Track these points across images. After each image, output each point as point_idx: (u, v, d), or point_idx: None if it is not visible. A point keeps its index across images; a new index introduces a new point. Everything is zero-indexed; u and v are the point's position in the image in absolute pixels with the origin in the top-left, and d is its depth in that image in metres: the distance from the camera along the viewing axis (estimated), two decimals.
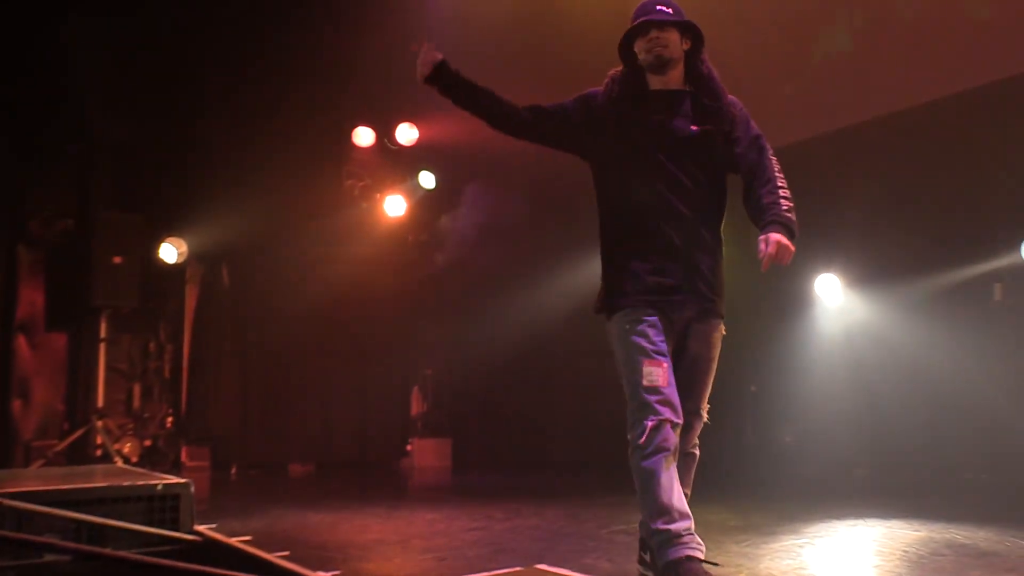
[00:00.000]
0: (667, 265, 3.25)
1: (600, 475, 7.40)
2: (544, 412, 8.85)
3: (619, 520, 4.90)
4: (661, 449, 3.09)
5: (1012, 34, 5.90)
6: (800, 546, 4.18)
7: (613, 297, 3.33)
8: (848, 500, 5.65)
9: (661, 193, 3.25)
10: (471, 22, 8.59)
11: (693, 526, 3.08)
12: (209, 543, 3.74)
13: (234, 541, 3.85)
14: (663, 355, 3.20)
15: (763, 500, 5.73)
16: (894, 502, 5.44)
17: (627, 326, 3.25)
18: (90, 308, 7.90)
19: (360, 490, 6.99)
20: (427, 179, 8.92)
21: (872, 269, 6.81)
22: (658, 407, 3.12)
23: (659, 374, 3.16)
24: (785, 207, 3.23)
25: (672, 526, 3.04)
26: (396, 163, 9.10)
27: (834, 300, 7.08)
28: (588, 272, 8.10)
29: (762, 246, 3.16)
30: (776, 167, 3.32)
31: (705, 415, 3.41)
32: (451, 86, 3.46)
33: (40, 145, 7.87)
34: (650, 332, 3.22)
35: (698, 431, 3.43)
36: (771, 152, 3.35)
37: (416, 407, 9.44)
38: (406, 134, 8.94)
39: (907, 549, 4.07)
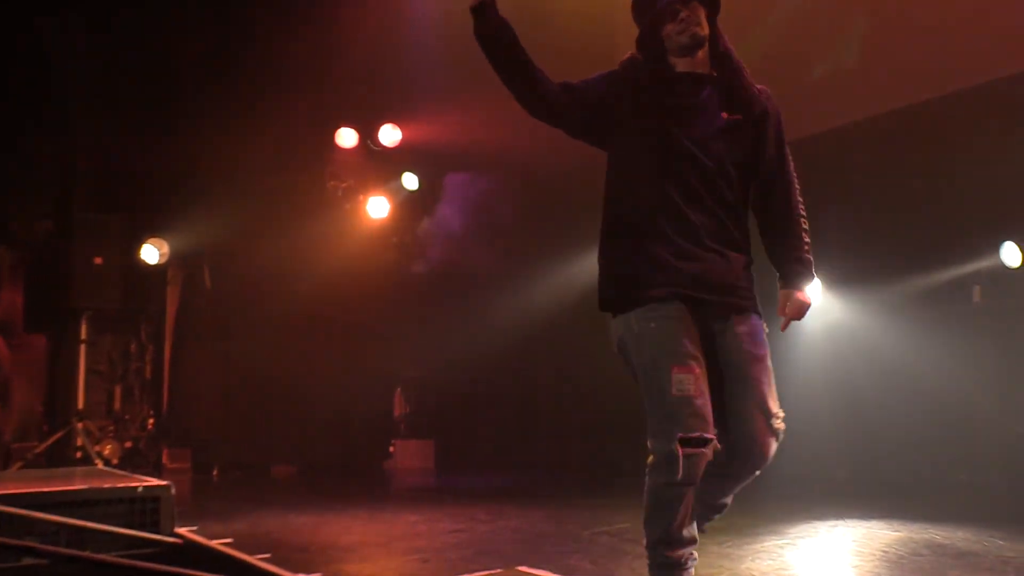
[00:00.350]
0: (699, 256, 2.87)
1: (582, 477, 7.41)
2: (526, 414, 8.86)
3: (601, 522, 4.91)
4: (691, 482, 2.73)
5: (989, 38, 5.95)
6: (781, 547, 4.20)
7: (630, 288, 2.88)
8: (829, 501, 5.68)
9: (690, 183, 2.90)
10: (453, 19, 8.59)
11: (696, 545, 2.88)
12: (190, 545, 3.72)
13: (215, 543, 3.84)
14: (695, 359, 2.77)
15: (744, 501, 5.71)
16: (874, 503, 5.48)
17: (651, 324, 2.81)
18: (70, 309, 7.85)
19: (342, 492, 6.98)
20: (410, 180, 8.91)
21: (853, 271, 6.84)
22: (689, 420, 2.69)
23: (691, 382, 2.72)
24: (807, 246, 3.04)
25: (678, 553, 2.80)
26: (379, 164, 9.08)
27: (815, 302, 7.11)
28: (571, 272, 8.15)
29: (787, 309, 3.00)
30: (795, 180, 3.09)
31: (781, 423, 2.88)
32: (496, 24, 2.93)
33: (20, 146, 7.82)
34: (679, 331, 2.79)
35: (773, 448, 2.88)
36: (791, 159, 3.11)
37: (399, 409, 9.43)
38: (389, 135, 8.92)
39: (887, 549, 4.10)
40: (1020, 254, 6.04)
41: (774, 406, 2.87)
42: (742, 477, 2.94)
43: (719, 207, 2.93)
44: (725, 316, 2.89)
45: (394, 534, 4.80)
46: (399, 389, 9.44)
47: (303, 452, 8.62)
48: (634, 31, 3.14)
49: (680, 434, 2.68)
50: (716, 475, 2.87)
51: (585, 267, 8.15)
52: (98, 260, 7.76)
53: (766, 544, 4.24)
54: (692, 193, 2.90)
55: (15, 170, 7.87)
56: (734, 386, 2.84)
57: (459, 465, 8.62)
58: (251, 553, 3.67)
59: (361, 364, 9.00)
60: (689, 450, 2.69)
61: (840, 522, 4.86)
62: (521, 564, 3.82)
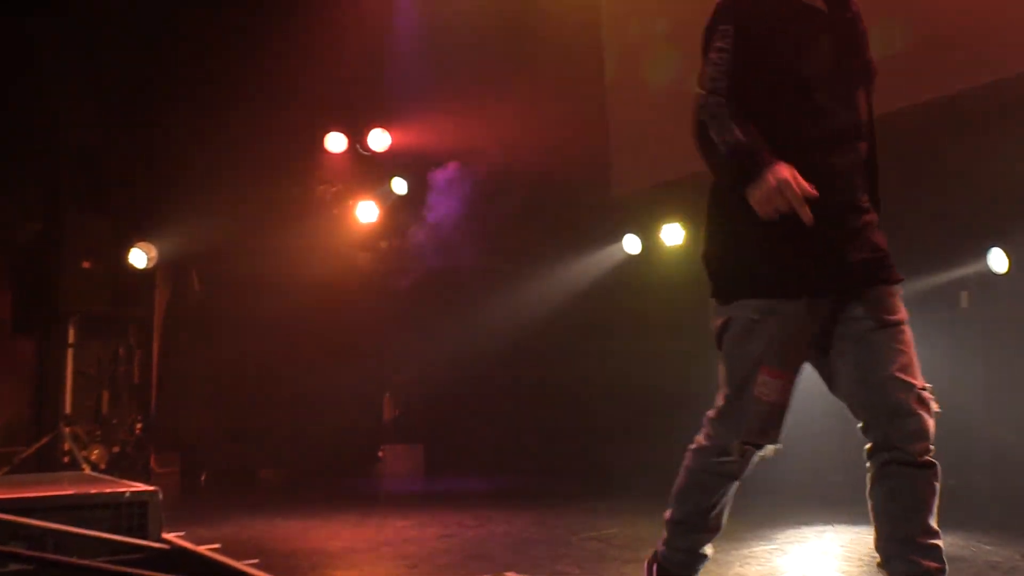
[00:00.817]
0: (841, 221, 2.60)
1: (571, 481, 7.41)
2: (516, 418, 8.85)
3: (590, 527, 4.91)
4: (736, 477, 2.73)
5: (978, 45, 5.98)
6: (770, 552, 4.21)
7: (745, 277, 2.63)
8: (818, 506, 5.69)
9: (833, 138, 2.63)
10: (442, 23, 8.62)
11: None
12: (177, 551, 3.71)
13: (202, 549, 3.83)
14: (789, 367, 2.61)
15: (734, 506, 5.75)
16: (864, 508, 5.47)
17: (754, 316, 2.58)
18: (58, 313, 7.81)
19: (331, 497, 6.96)
20: (399, 185, 8.91)
21: None
22: (759, 424, 2.59)
23: (776, 388, 2.58)
24: None
25: (695, 538, 2.81)
26: (368, 169, 9.08)
27: None
28: (561, 275, 8.15)
29: None
30: None
31: (929, 396, 2.56)
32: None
33: (8, 148, 7.79)
34: (783, 332, 2.57)
35: (925, 427, 2.50)
36: None
37: (388, 413, 9.41)
38: (378, 140, 8.93)
39: (874, 554, 4.10)
40: (1007, 260, 6.07)
41: (920, 381, 2.58)
42: (914, 478, 2.55)
43: (862, 160, 2.74)
44: (868, 284, 2.62)
45: (382, 539, 4.79)
46: (388, 393, 9.42)
47: (292, 457, 8.59)
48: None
49: (747, 436, 2.61)
50: (888, 485, 2.56)
51: (575, 270, 8.20)
52: (86, 264, 7.74)
53: (755, 550, 4.25)
54: (837, 147, 2.66)
55: (3, 173, 7.84)
56: (867, 359, 2.57)
57: (448, 470, 8.61)
58: (238, 558, 3.66)
59: (350, 368, 8.99)
60: (749, 447, 2.64)
61: (829, 527, 4.87)
62: (510, 569, 3.82)
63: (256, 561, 3.84)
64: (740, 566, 3.87)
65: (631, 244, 7.88)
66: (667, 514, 2.83)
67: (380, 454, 9.03)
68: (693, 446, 2.76)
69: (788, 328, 2.58)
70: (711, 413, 2.72)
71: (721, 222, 2.74)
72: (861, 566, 3.89)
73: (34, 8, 7.61)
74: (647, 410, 7.76)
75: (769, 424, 2.60)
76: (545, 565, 3.92)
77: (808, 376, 2.73)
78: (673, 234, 7.57)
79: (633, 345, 7.75)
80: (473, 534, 4.87)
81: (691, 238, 7.58)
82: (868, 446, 2.60)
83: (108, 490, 3.77)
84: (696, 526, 2.79)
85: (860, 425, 2.62)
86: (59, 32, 7.70)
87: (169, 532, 3.92)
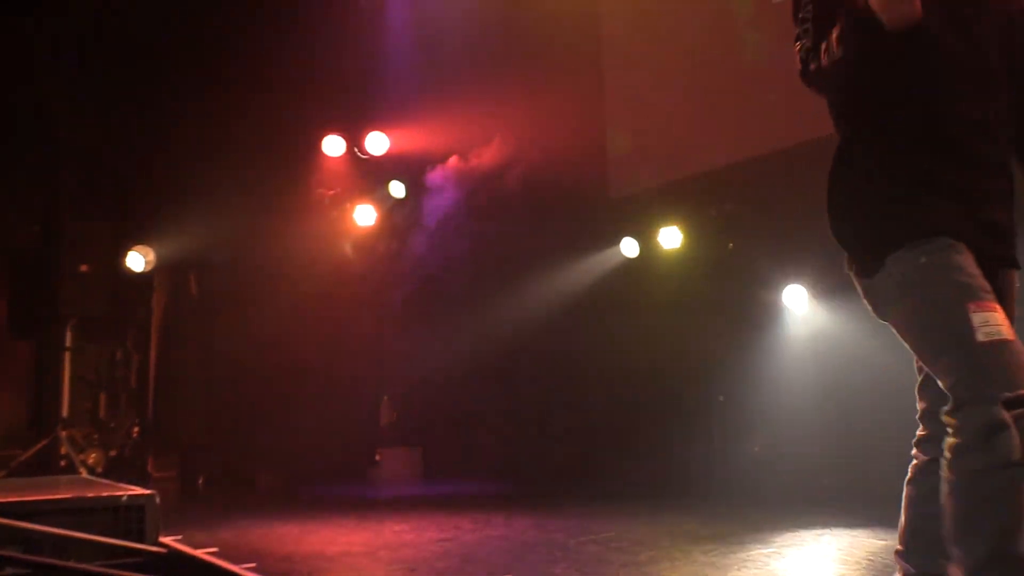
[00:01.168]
0: (988, 194, 2.31)
1: (568, 484, 7.41)
2: (514, 421, 8.85)
3: (587, 530, 4.90)
4: (1021, 451, 1.97)
5: None
6: (767, 555, 4.21)
7: (895, 226, 2.25)
8: (815, 509, 5.69)
9: (990, 111, 2.34)
10: (440, 26, 8.63)
11: None
12: (174, 555, 3.71)
13: (200, 552, 3.82)
14: (990, 293, 2.13)
15: (731, 510, 5.76)
16: (860, 511, 5.49)
17: (921, 259, 2.18)
18: (56, 316, 7.81)
19: (329, 501, 6.96)
20: (397, 189, 8.91)
21: (838, 281, 6.86)
22: (1011, 374, 1.99)
23: (998, 320, 2.05)
24: None
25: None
26: (366, 172, 9.08)
27: (801, 310, 7.14)
28: (560, 280, 8.15)
29: None
30: None
31: None
32: None
33: (5, 152, 7.79)
34: (961, 259, 2.16)
35: None
36: None
37: (385, 416, 9.40)
38: (376, 143, 8.93)
39: (872, 558, 4.11)
40: None
41: None
42: None
43: (1006, 137, 2.43)
44: (1006, 269, 2.36)
45: (379, 543, 4.78)
46: (386, 397, 9.42)
47: (289, 461, 8.58)
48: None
49: (1004, 392, 1.97)
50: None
51: (573, 273, 8.21)
52: (84, 267, 7.73)
53: (752, 553, 4.25)
54: (990, 121, 2.36)
55: (1, 176, 7.84)
56: None
57: (446, 473, 8.60)
58: (236, 562, 3.66)
59: (348, 372, 8.99)
60: (1020, 411, 1.97)
61: (826, 531, 4.87)
62: (508, 573, 3.82)
63: (253, 565, 3.84)
64: (738, 570, 3.87)
65: (629, 247, 7.88)
66: (962, 564, 2.05)
67: (378, 457, 9.03)
68: (946, 458, 2.11)
69: (960, 253, 2.18)
70: (946, 408, 2.13)
71: (855, 184, 2.40)
72: (859, 569, 3.89)
73: (33, 9, 7.62)
74: (646, 414, 7.76)
75: (1016, 366, 2.02)
76: (543, 569, 3.92)
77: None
78: (671, 237, 7.57)
79: (631, 348, 7.75)
80: (471, 538, 4.86)
81: (689, 241, 7.59)
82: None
83: (105, 494, 3.77)
84: (1010, 558, 1.97)
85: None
86: (58, 34, 7.70)
87: (167, 536, 3.92)
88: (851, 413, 6.78)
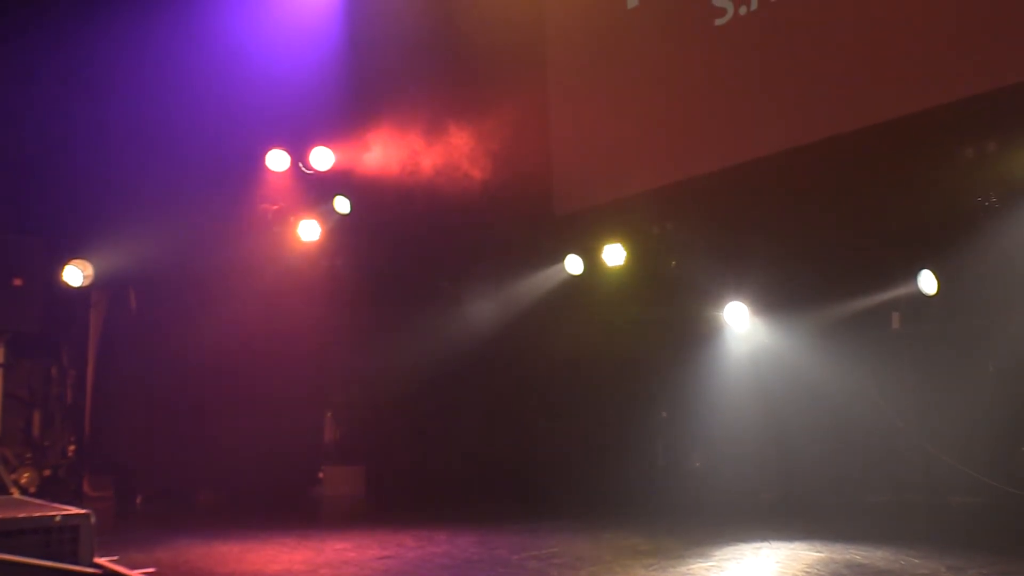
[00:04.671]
0: None
1: (511, 502, 7.41)
2: (457, 439, 8.84)
3: (530, 547, 4.91)
4: None
5: (909, 70, 6.17)
6: (707, 569, 4.25)
7: None
8: (754, 523, 5.77)
9: None
10: (386, 42, 8.64)
11: None
12: None
13: (136, 573, 3.76)
14: None
15: (672, 524, 5.81)
16: (798, 524, 5.58)
17: None
18: None
19: (270, 519, 6.87)
20: (342, 204, 8.87)
21: (777, 297, 6.99)
22: None
23: None
24: None
25: None
26: (311, 188, 9.03)
27: (742, 327, 7.25)
28: (504, 296, 8.16)
29: None
30: None
31: None
32: None
33: None
34: None
35: None
36: None
37: (329, 433, 9.32)
38: (321, 158, 8.89)
39: (808, 570, 4.18)
40: (936, 282, 6.24)
41: None
42: None
43: None
44: None
45: (320, 561, 4.74)
46: (329, 414, 9.34)
47: (229, 479, 8.46)
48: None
49: None
50: None
51: (518, 289, 8.24)
52: (17, 281, 7.56)
53: (692, 567, 4.29)
54: None
55: None
56: None
57: (389, 491, 8.55)
58: None
59: (290, 388, 8.89)
60: None
61: (765, 544, 4.94)
62: None
63: None
64: None
65: (573, 264, 7.94)
66: None
67: (321, 475, 8.94)
68: None
69: None
70: None
71: None
72: None
73: None
74: (588, 430, 7.81)
75: None
76: None
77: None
78: (615, 254, 7.64)
79: (575, 364, 7.80)
80: (413, 555, 4.84)
81: (632, 259, 7.67)
82: None
83: (38, 514, 3.68)
84: None
85: None
86: None
87: (102, 557, 3.84)
88: (789, 429, 6.90)
